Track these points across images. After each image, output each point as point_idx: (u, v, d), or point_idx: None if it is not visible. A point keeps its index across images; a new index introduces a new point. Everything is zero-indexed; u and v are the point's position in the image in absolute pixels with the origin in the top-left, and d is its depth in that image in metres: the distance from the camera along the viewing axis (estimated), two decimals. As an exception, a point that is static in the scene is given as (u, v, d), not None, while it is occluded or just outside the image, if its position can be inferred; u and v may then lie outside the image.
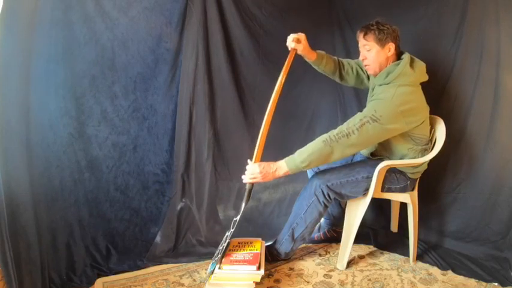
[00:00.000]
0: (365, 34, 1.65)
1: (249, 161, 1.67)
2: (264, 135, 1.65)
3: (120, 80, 1.84)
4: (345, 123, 1.57)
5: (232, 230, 1.68)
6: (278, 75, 1.70)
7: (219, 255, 1.64)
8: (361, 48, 1.71)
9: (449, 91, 1.95)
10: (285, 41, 1.76)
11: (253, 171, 1.62)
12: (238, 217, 1.68)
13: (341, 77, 1.92)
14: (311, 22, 2.37)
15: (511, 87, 1.78)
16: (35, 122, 1.54)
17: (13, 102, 1.39)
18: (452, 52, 1.94)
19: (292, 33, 1.76)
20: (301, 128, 2.50)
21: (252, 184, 1.67)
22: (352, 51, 2.33)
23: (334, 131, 1.56)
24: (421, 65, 1.66)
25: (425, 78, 1.67)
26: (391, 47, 1.64)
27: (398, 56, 1.69)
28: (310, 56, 1.82)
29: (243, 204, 1.68)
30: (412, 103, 1.58)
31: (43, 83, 1.58)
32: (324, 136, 1.56)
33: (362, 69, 1.89)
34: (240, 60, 2.19)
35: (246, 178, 1.65)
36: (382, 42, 1.63)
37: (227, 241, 1.69)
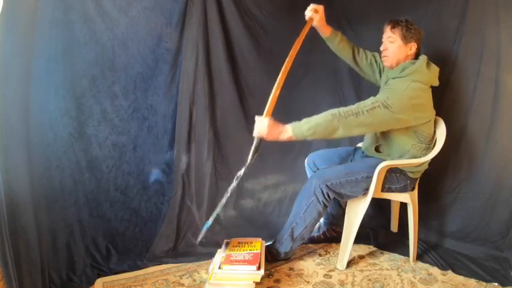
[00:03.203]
0: (393, 27, 1.68)
1: (257, 116, 1.65)
2: (277, 90, 1.63)
3: (120, 80, 1.83)
4: (355, 104, 1.58)
5: (234, 185, 1.66)
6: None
7: (220, 208, 1.67)
8: (384, 39, 1.73)
9: (450, 91, 1.95)
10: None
11: (261, 125, 1.61)
12: (242, 171, 1.66)
13: (354, 61, 1.94)
14: (311, 22, 2.37)
15: (511, 87, 1.78)
16: (35, 121, 1.54)
17: (13, 102, 1.39)
18: (452, 52, 1.94)
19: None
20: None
21: (260, 140, 1.64)
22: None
23: (345, 108, 1.56)
24: (435, 69, 1.69)
25: (437, 83, 1.70)
26: (413, 46, 1.68)
27: (416, 57, 1.72)
28: (325, 30, 1.84)
29: (249, 159, 1.65)
30: (422, 99, 1.63)
31: (43, 83, 1.58)
32: (334, 110, 1.57)
33: (377, 63, 1.91)
34: (240, 60, 2.19)
35: (254, 131, 1.64)
36: (406, 40, 1.67)
37: (228, 194, 1.68)
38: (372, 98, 1.60)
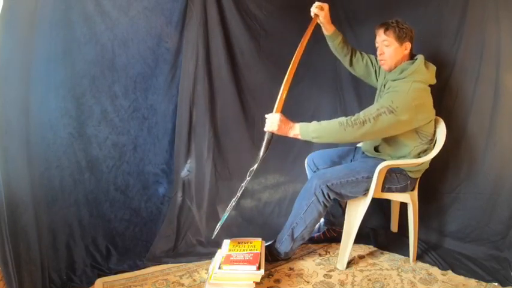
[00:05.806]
0: (386, 30, 1.69)
1: (267, 114, 1.69)
2: (286, 86, 1.68)
3: (120, 80, 1.84)
4: (362, 112, 1.60)
5: (248, 179, 1.68)
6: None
7: (233, 204, 1.70)
8: (379, 43, 1.74)
9: (450, 91, 1.95)
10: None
11: (273, 119, 1.65)
12: (255, 166, 1.68)
13: (351, 62, 1.96)
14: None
15: (511, 87, 1.78)
16: (35, 122, 1.54)
17: (13, 102, 1.39)
18: (452, 52, 1.94)
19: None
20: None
21: (272, 135, 1.67)
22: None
23: (352, 117, 1.59)
24: (433, 68, 1.71)
25: (434, 81, 1.71)
26: (407, 46, 1.70)
27: (411, 57, 1.74)
28: (329, 28, 1.87)
29: (261, 153, 1.67)
30: (424, 99, 1.64)
31: (43, 83, 1.58)
32: (341, 119, 1.60)
33: (372, 64, 1.92)
34: (240, 60, 2.19)
35: (266, 126, 1.67)
36: (401, 40, 1.68)
37: (242, 189, 1.69)
38: (376, 104, 1.62)
